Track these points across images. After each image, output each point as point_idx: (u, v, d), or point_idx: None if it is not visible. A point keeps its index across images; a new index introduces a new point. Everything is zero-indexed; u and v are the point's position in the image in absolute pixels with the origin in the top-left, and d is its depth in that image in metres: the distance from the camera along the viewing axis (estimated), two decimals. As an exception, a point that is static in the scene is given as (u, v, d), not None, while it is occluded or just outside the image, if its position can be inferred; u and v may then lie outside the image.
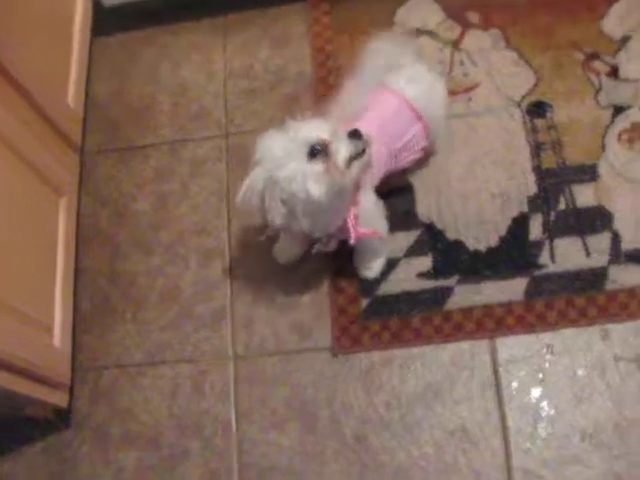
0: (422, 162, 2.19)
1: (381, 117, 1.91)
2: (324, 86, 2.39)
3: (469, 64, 2.37)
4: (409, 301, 2.10)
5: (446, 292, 2.10)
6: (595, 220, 2.14)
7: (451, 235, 2.16)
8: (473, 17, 2.45)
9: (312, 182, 1.66)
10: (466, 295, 2.08)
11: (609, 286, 2.07)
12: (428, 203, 2.20)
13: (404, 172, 2.10)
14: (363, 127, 1.73)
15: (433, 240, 2.16)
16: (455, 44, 2.42)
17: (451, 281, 2.10)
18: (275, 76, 2.45)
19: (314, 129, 1.68)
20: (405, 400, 2.01)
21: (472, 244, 2.14)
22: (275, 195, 1.70)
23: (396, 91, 1.94)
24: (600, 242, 2.12)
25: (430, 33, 2.44)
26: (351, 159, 1.67)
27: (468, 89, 2.34)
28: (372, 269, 2.09)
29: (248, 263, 2.22)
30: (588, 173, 2.19)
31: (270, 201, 1.71)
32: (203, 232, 2.27)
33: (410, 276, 2.12)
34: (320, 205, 1.69)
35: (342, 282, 2.13)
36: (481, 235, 2.14)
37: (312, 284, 2.16)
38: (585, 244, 2.11)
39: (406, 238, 2.16)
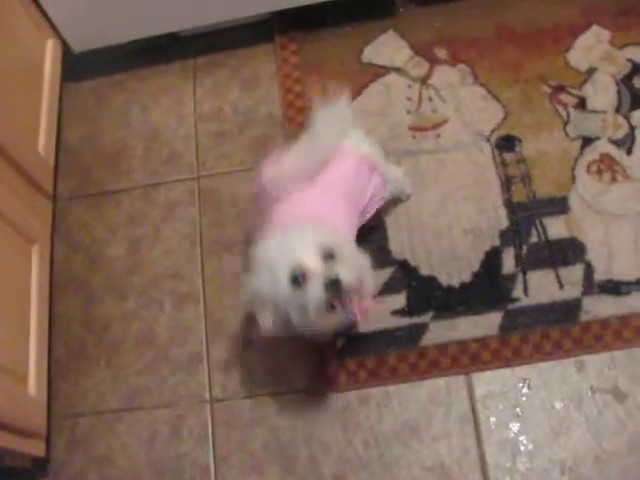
0: (394, 200, 2.19)
1: (345, 179, 1.87)
2: (294, 126, 2.38)
3: (438, 100, 2.38)
4: (384, 339, 2.10)
5: (421, 329, 2.09)
6: (567, 252, 2.15)
7: (425, 271, 2.16)
8: (441, 53, 2.47)
9: (295, 311, 1.62)
10: (441, 331, 2.08)
11: (583, 317, 2.07)
12: (401, 240, 2.20)
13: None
14: (330, 195, 1.78)
15: (407, 277, 2.16)
16: (423, 80, 2.43)
17: (425, 318, 2.10)
18: (245, 118, 2.46)
19: (303, 244, 1.60)
20: (383, 438, 2.01)
21: (445, 280, 2.14)
22: (267, 308, 1.67)
23: (349, 152, 1.90)
24: (573, 274, 2.13)
25: (398, 70, 2.45)
26: (326, 306, 1.59)
27: (437, 125, 2.35)
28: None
29: (222, 306, 2.21)
30: (559, 205, 2.20)
31: (262, 312, 1.68)
32: (177, 276, 2.27)
33: (384, 314, 2.11)
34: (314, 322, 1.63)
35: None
36: (454, 271, 2.14)
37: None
38: (558, 276, 2.12)
39: (379, 276, 2.15)
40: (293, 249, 1.59)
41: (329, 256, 1.59)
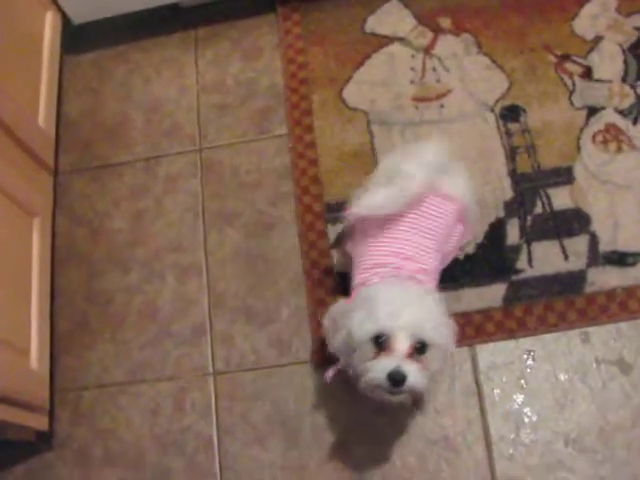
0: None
1: (444, 224, 1.82)
2: (297, 97, 2.37)
3: (441, 70, 2.36)
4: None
5: (426, 300, 2.07)
6: (572, 223, 2.13)
7: (429, 244, 2.13)
8: (445, 22, 2.45)
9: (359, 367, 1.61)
10: (445, 303, 2.05)
11: (588, 289, 2.06)
12: (401, 210, 2.17)
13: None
14: (425, 238, 1.77)
15: (412, 250, 2.13)
16: (427, 50, 2.41)
17: (430, 290, 2.08)
18: (247, 89, 2.44)
19: (406, 320, 1.56)
20: (389, 408, 1.99)
21: (446, 250, 2.11)
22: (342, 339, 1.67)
23: (453, 197, 1.84)
24: (578, 245, 2.11)
25: (402, 40, 2.43)
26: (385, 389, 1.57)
27: (441, 95, 2.33)
28: None
29: (225, 279, 2.21)
30: (564, 176, 2.18)
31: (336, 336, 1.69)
32: (179, 249, 2.26)
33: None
34: None
35: (321, 295, 2.12)
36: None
37: (290, 298, 2.15)
38: (563, 247, 2.11)
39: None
40: (398, 314, 1.56)
41: (420, 347, 1.56)
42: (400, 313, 1.55)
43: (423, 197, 1.79)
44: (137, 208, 2.33)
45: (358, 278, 1.80)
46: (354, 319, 1.61)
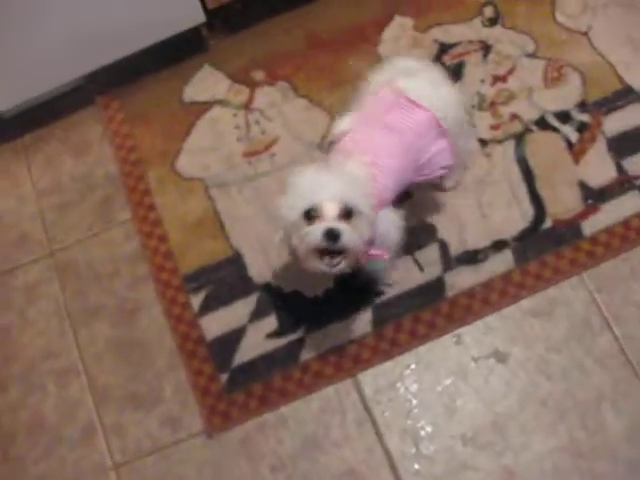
0: (244, 226, 2.24)
1: (412, 132, 1.89)
2: (133, 180, 2.40)
3: (264, 121, 2.43)
4: (265, 364, 2.13)
5: (298, 345, 2.14)
6: (420, 236, 2.21)
7: (288, 289, 2.20)
8: (258, 75, 2.52)
9: (294, 240, 1.72)
10: (317, 342, 2.12)
11: (449, 293, 2.15)
12: (259, 264, 2.24)
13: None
14: (392, 140, 1.85)
15: (273, 298, 2.19)
16: (247, 106, 2.47)
17: (300, 333, 2.14)
18: (84, 184, 2.46)
19: (333, 188, 1.69)
20: (288, 459, 2.04)
21: (310, 292, 2.19)
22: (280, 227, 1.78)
23: (421, 104, 1.89)
24: (430, 255, 2.20)
25: (221, 102, 2.48)
26: (320, 252, 1.70)
27: (269, 145, 2.40)
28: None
29: (104, 372, 2.21)
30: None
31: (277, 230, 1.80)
32: (52, 355, 2.25)
33: (260, 340, 2.15)
34: None
35: (197, 364, 2.14)
36: (316, 281, 2.17)
37: (170, 375, 2.17)
38: (417, 260, 2.19)
39: (246, 304, 2.19)
40: (322, 188, 1.68)
41: (347, 213, 1.68)
42: (325, 185, 1.68)
43: (396, 100, 1.89)
44: (2, 324, 2.31)
45: None
46: (283, 205, 1.72)
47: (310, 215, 1.67)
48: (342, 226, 1.65)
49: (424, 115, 1.88)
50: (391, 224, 1.89)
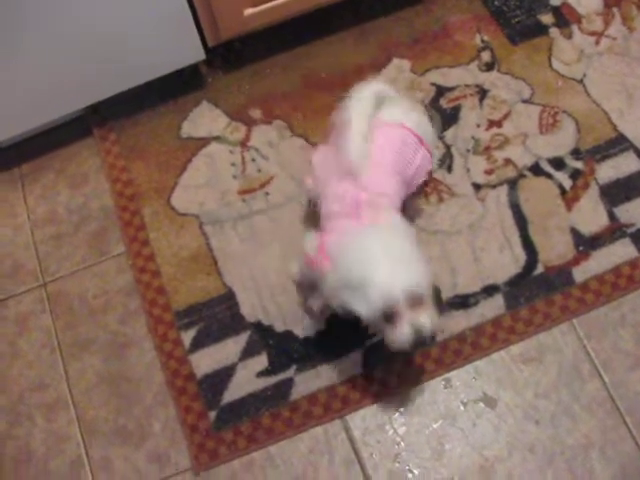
0: (237, 263, 2.26)
1: (392, 149, 1.96)
2: (128, 214, 2.41)
3: (260, 159, 2.44)
4: (255, 402, 2.13)
5: (288, 384, 2.13)
6: (412, 278, 2.20)
7: (279, 328, 2.20)
8: (255, 114, 2.54)
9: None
10: (307, 382, 2.12)
11: (440, 337, 2.16)
12: (251, 303, 2.24)
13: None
14: (382, 167, 1.91)
15: (264, 337, 2.19)
16: (243, 144, 2.49)
17: (290, 372, 2.14)
18: (79, 215, 2.46)
19: (395, 283, 1.74)
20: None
21: (301, 332, 2.18)
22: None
23: (395, 123, 1.99)
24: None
25: (218, 139, 2.50)
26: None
27: (264, 184, 2.41)
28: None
29: (93, 406, 2.20)
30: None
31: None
32: (41, 387, 2.24)
33: (250, 378, 2.15)
34: None
35: (186, 401, 2.14)
36: (308, 321, 2.19)
37: (159, 411, 2.17)
38: (408, 303, 2.17)
39: (237, 342, 2.19)
40: (391, 288, 1.72)
41: (417, 302, 1.74)
42: (393, 283, 1.71)
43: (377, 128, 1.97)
44: (-8, 356, 2.30)
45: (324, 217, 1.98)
46: (347, 297, 1.78)
47: (388, 316, 1.74)
48: (423, 320, 1.75)
49: (402, 129, 1.97)
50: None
